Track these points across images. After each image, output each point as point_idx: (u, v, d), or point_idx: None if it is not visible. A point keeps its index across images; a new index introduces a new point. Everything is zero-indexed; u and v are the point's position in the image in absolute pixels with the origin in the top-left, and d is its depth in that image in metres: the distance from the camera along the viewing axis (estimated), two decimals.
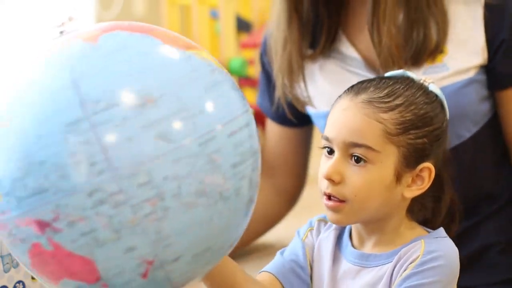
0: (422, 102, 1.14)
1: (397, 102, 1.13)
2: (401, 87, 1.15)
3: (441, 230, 1.16)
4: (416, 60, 1.38)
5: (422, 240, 1.12)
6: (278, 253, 1.22)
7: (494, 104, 1.44)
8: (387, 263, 1.13)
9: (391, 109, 1.12)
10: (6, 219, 0.95)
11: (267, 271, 1.20)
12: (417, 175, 1.14)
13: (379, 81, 1.16)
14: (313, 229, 1.22)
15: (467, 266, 1.41)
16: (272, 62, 1.52)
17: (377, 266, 1.14)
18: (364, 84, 1.16)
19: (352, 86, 1.16)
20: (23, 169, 0.92)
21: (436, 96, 1.17)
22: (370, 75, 1.38)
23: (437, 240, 1.13)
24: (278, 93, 1.51)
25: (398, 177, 1.12)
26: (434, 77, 1.37)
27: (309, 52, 1.47)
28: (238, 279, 1.14)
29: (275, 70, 1.50)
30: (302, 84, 1.48)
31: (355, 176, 1.11)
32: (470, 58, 1.40)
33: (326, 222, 1.22)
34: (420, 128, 1.13)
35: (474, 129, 1.42)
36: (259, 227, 1.64)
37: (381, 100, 1.12)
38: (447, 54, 1.39)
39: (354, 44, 1.46)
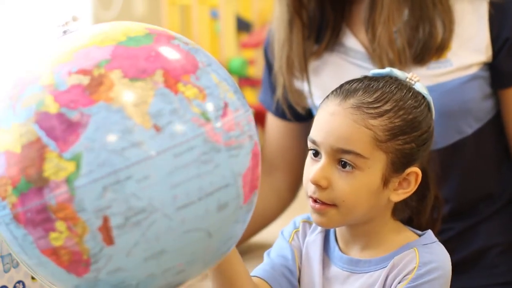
0: (411, 106, 1.14)
1: (386, 107, 1.12)
2: (390, 90, 1.14)
3: (430, 234, 1.16)
4: (422, 57, 1.38)
5: (416, 249, 1.12)
6: (265, 255, 1.22)
7: (497, 102, 1.44)
8: (378, 269, 1.13)
9: (380, 115, 1.11)
10: (239, 115, 0.97)
11: (257, 276, 1.19)
12: (404, 179, 1.14)
13: (368, 83, 1.14)
14: (298, 230, 1.22)
15: (467, 267, 1.41)
16: (274, 54, 1.52)
17: (367, 272, 1.14)
18: (353, 86, 1.14)
19: (341, 87, 1.15)
20: None
21: (423, 97, 1.17)
22: (372, 68, 1.38)
23: (429, 247, 1.13)
24: (278, 94, 1.51)
25: (385, 182, 1.12)
26: (437, 72, 1.38)
27: (315, 48, 1.48)
28: (240, 270, 1.13)
29: (276, 71, 1.50)
30: (305, 83, 1.48)
31: (342, 181, 1.11)
32: (474, 55, 1.40)
33: (311, 224, 1.22)
34: (408, 134, 1.12)
35: (476, 126, 1.42)
36: (255, 225, 1.64)
37: (370, 106, 1.11)
38: (451, 50, 1.39)
39: (357, 37, 1.46)
